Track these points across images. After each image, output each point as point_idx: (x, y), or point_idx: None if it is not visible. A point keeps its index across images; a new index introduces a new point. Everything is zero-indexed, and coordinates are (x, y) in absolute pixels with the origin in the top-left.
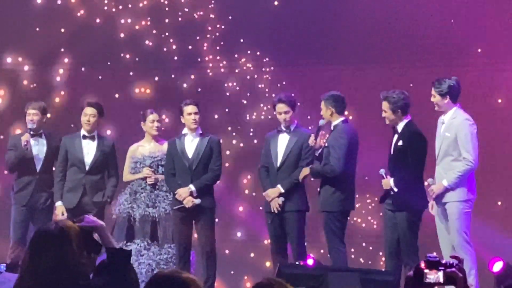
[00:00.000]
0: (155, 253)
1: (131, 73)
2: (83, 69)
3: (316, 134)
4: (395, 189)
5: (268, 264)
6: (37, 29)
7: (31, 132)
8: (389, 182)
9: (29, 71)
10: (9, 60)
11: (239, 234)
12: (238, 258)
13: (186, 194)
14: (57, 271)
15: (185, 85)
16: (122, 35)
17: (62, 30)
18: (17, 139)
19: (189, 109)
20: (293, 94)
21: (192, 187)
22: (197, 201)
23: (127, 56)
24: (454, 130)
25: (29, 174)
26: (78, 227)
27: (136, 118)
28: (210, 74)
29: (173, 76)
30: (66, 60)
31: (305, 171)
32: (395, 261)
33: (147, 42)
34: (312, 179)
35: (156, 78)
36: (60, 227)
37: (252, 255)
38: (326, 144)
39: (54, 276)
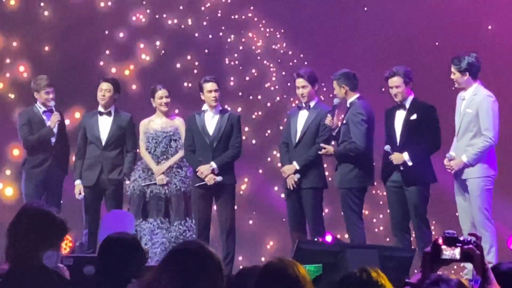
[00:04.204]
0: (168, 231)
1: (107, 52)
2: (46, 48)
3: (333, 114)
4: (410, 163)
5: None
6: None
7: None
8: (402, 156)
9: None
10: None
11: None
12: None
13: (208, 172)
14: None
15: (178, 65)
16: (102, 4)
17: (42, 4)
18: (30, 114)
19: (209, 86)
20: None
21: (214, 164)
22: (219, 178)
23: (106, 32)
24: (475, 106)
25: (45, 150)
26: None
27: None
28: (207, 51)
29: (163, 52)
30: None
31: (330, 149)
32: (407, 236)
33: (134, 18)
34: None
35: (143, 57)
36: None
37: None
38: (345, 122)
39: None
